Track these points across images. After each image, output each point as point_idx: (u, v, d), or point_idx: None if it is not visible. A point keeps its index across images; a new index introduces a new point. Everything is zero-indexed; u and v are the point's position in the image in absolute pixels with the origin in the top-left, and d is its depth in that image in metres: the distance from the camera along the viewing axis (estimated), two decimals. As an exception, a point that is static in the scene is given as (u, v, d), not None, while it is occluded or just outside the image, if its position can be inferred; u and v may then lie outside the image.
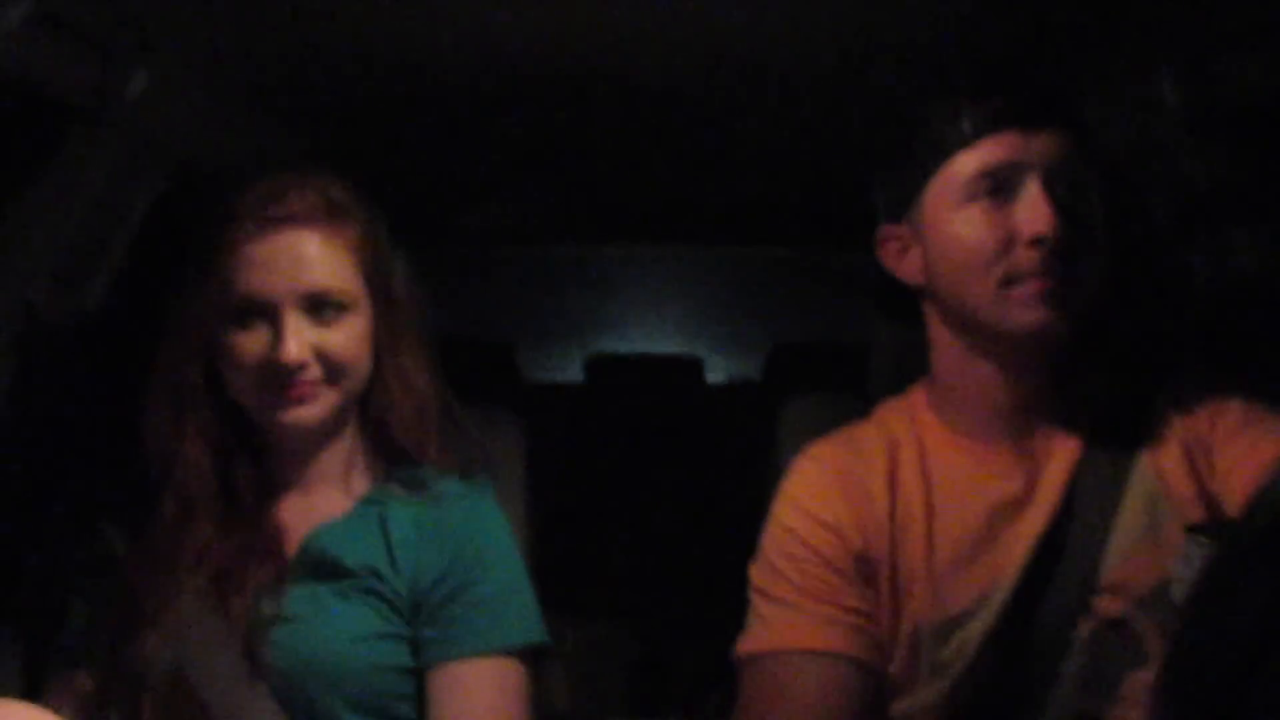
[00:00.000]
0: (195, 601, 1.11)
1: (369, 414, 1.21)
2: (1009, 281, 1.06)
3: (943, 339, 1.16)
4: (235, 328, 1.12)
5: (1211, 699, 0.53)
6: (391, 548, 1.15)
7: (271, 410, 1.13)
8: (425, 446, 1.22)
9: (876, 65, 1.42)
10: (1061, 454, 1.11)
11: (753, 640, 1.11)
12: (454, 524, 1.17)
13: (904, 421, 1.18)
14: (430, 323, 1.25)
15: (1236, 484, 1.04)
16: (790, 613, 1.08)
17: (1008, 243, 1.06)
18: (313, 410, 1.13)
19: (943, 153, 1.10)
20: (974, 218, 1.08)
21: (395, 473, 1.22)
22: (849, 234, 1.45)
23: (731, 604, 1.16)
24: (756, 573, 1.14)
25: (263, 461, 1.20)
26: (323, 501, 1.19)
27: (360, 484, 1.21)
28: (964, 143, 1.09)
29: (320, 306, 1.13)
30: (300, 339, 1.10)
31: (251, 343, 1.11)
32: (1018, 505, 1.09)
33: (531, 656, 1.16)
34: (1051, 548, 1.07)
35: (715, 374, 3.73)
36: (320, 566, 1.14)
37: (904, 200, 1.15)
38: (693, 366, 3.36)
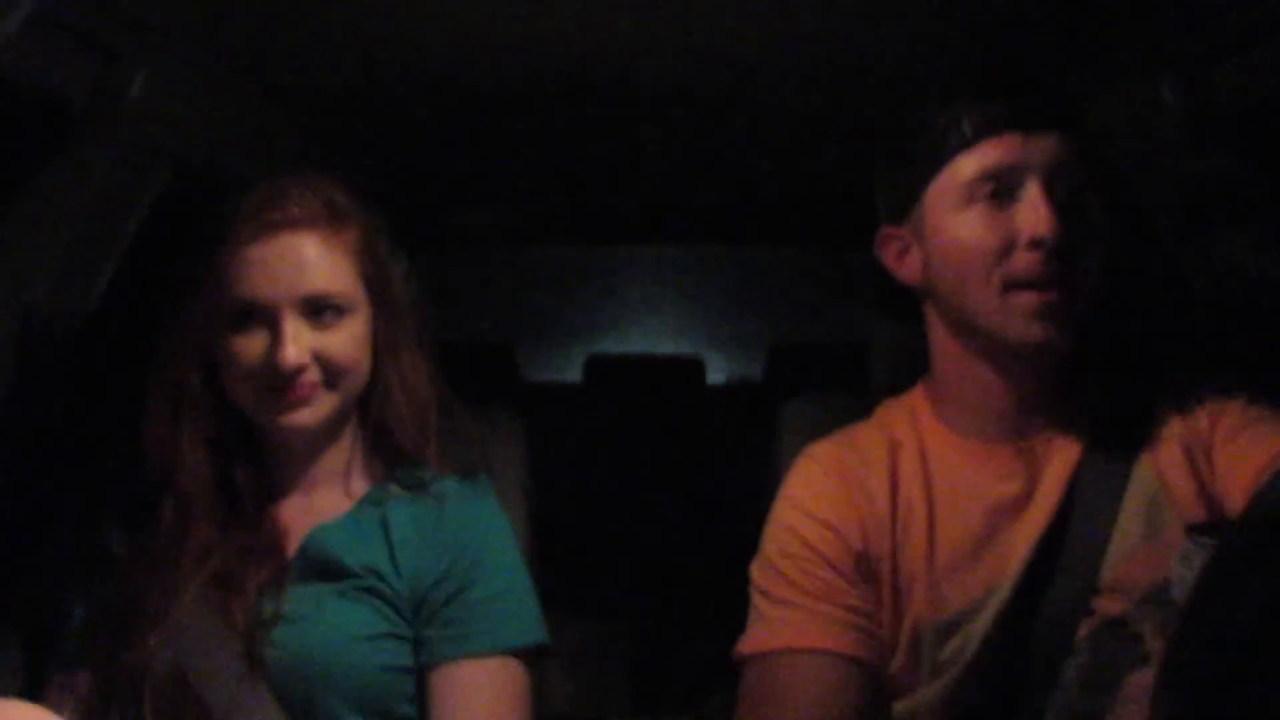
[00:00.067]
0: (195, 602, 1.11)
1: (369, 415, 1.21)
2: (1009, 286, 1.06)
3: (943, 340, 1.16)
4: (234, 331, 1.12)
5: (1211, 699, 0.53)
6: (392, 548, 1.15)
7: (271, 413, 1.13)
8: (425, 447, 1.22)
9: (877, 67, 1.42)
10: (1062, 454, 1.11)
11: (753, 640, 1.11)
12: (455, 524, 1.17)
13: (904, 422, 1.18)
14: (430, 324, 1.25)
15: (1236, 484, 1.04)
16: (791, 612, 1.08)
17: (1008, 245, 1.06)
18: (312, 413, 1.13)
19: (943, 155, 1.10)
20: (974, 220, 1.08)
21: (395, 473, 1.22)
22: (849, 234, 1.45)
23: (732, 604, 1.16)
24: (757, 572, 1.14)
25: (262, 462, 1.20)
26: (323, 502, 1.19)
27: (360, 485, 1.21)
28: (965, 145, 1.09)
29: (319, 310, 1.13)
30: (299, 343, 1.10)
31: (250, 346, 1.11)
32: (1018, 505, 1.09)
33: (532, 656, 1.16)
34: (1052, 548, 1.07)
35: (715, 374, 3.73)
36: (320, 567, 1.14)
37: (905, 202, 1.15)
38: (693, 367, 3.37)
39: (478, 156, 1.92)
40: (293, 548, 1.16)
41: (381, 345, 1.19)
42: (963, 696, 1.06)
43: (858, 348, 1.39)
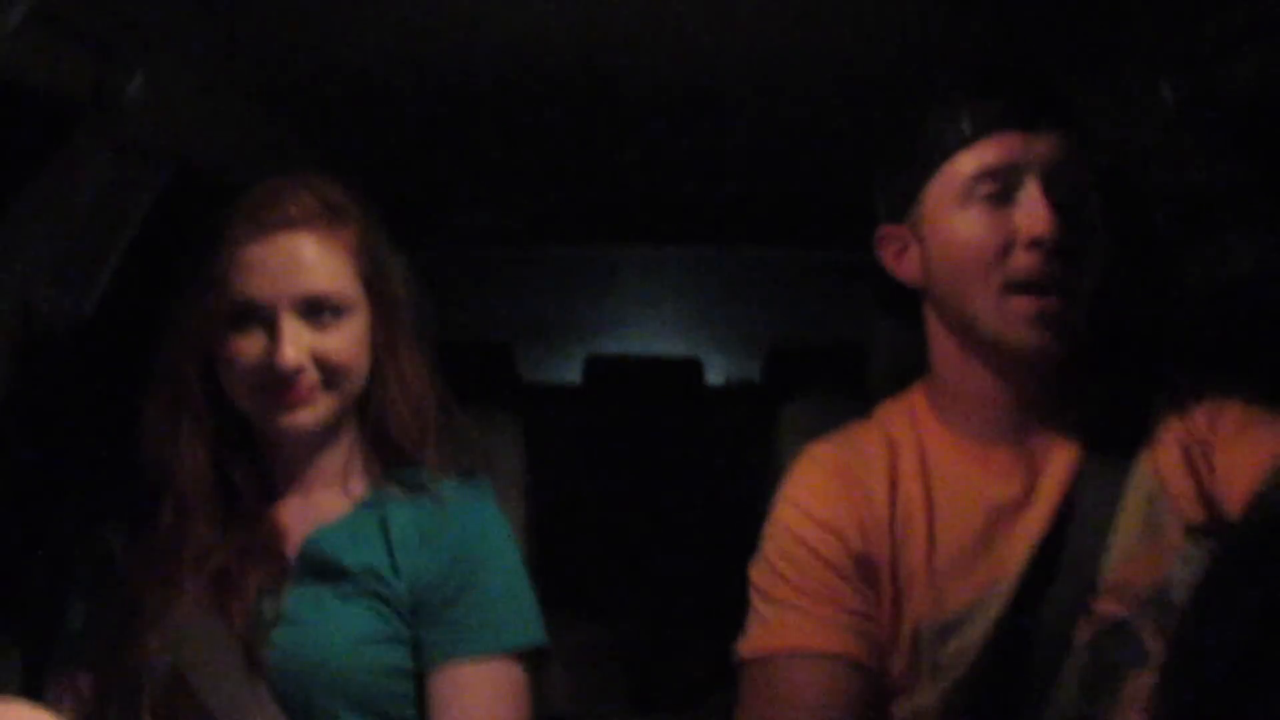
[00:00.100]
0: (195, 603, 1.11)
1: (368, 416, 1.21)
2: (1008, 287, 1.06)
3: (942, 340, 1.16)
4: (232, 332, 1.12)
5: (1211, 700, 0.53)
6: (392, 549, 1.15)
7: (269, 414, 1.13)
8: (424, 448, 1.22)
9: (877, 65, 1.42)
10: (1061, 455, 1.11)
11: (753, 641, 1.11)
12: (454, 525, 1.17)
13: (904, 422, 1.18)
14: (429, 324, 1.25)
15: (1236, 485, 1.04)
16: (790, 614, 1.08)
17: (1007, 244, 1.06)
18: (310, 414, 1.13)
19: (942, 153, 1.10)
20: (973, 219, 1.08)
21: (394, 474, 1.21)
22: (848, 234, 1.45)
23: (731, 604, 1.16)
24: (756, 573, 1.14)
25: (261, 463, 1.20)
26: (322, 503, 1.19)
27: (359, 486, 1.21)
28: (964, 143, 1.09)
29: (317, 310, 1.13)
30: (297, 343, 1.10)
31: (249, 347, 1.11)
32: (1018, 506, 1.09)
33: (531, 657, 1.16)
34: (1051, 549, 1.07)
35: (714, 375, 3.73)
36: (320, 568, 1.14)
37: (904, 201, 1.15)
38: (692, 367, 3.37)
39: (477, 156, 1.92)
40: (292, 549, 1.16)
41: (380, 345, 1.19)
42: (962, 698, 1.06)
43: (857, 348, 1.39)
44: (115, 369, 1.31)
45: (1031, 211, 1.05)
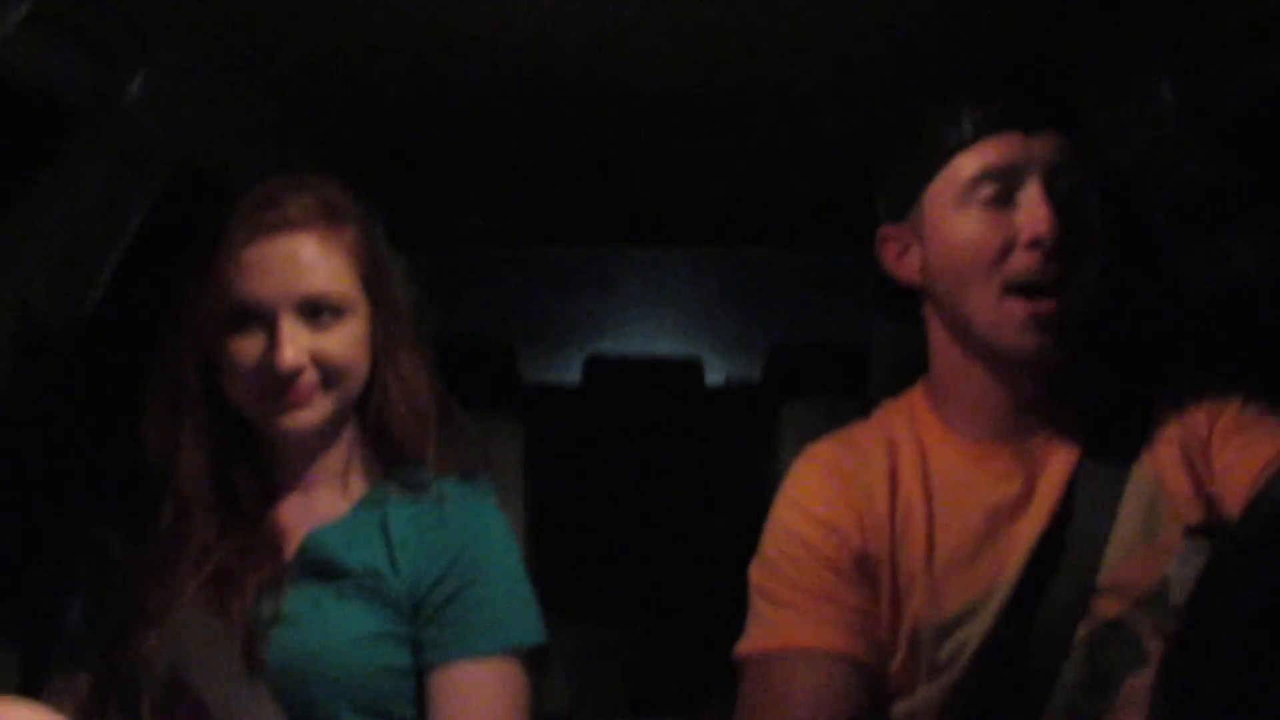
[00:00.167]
0: (194, 602, 1.11)
1: (368, 416, 1.21)
2: (1008, 289, 1.06)
3: (942, 340, 1.16)
4: (232, 333, 1.12)
5: (1210, 700, 0.53)
6: (392, 548, 1.15)
7: (269, 415, 1.13)
8: (424, 448, 1.21)
9: (877, 66, 1.42)
10: (1060, 455, 1.11)
11: (753, 640, 1.11)
12: (454, 525, 1.17)
13: (904, 422, 1.18)
14: (429, 324, 1.25)
15: (1235, 485, 1.04)
16: (790, 613, 1.08)
17: (1007, 245, 1.06)
18: (310, 415, 1.13)
19: (943, 154, 1.10)
20: (974, 219, 1.08)
21: (394, 474, 1.21)
22: (849, 234, 1.45)
23: (731, 604, 1.16)
24: (756, 573, 1.14)
25: (261, 463, 1.20)
26: (322, 503, 1.19)
27: (359, 485, 1.21)
28: (964, 144, 1.09)
29: (317, 311, 1.12)
30: (297, 344, 1.10)
31: (248, 348, 1.11)
32: (1017, 506, 1.09)
33: (531, 657, 1.16)
34: (1050, 549, 1.07)
35: (714, 375, 3.73)
36: (320, 567, 1.14)
37: (904, 201, 1.15)
38: (692, 368, 3.37)
39: (478, 156, 1.92)
40: (292, 548, 1.16)
41: (380, 346, 1.19)
42: (961, 697, 1.06)
43: (857, 348, 1.39)
44: (115, 369, 1.31)
45: (1032, 211, 1.05)
